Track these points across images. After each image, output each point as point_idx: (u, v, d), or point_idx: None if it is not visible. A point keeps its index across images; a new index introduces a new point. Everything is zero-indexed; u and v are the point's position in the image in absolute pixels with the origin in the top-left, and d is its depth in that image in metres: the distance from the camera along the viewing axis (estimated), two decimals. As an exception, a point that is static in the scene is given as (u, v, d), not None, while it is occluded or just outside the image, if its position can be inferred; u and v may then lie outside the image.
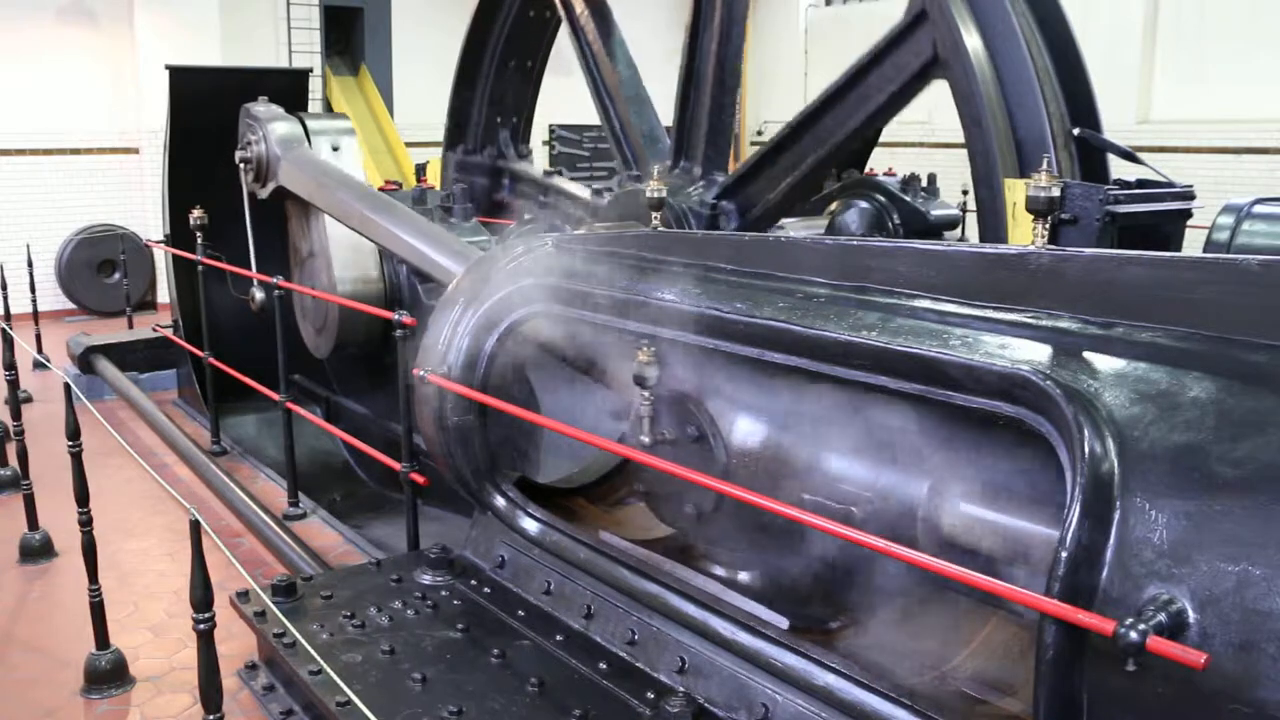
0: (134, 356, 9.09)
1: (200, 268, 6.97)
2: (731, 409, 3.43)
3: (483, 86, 8.03)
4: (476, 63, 8.04)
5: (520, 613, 3.73)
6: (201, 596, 2.86)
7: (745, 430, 3.39)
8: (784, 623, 3.08)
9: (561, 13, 7.21)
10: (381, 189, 7.69)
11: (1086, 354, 2.37)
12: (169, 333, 8.34)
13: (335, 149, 6.34)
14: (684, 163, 6.20)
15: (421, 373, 3.94)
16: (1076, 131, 4.70)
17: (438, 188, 7.82)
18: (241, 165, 6.51)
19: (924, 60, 4.79)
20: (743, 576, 3.59)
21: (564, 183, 7.63)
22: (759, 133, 17.50)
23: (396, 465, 4.54)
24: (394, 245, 5.34)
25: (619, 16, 7.06)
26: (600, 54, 6.86)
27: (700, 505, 3.48)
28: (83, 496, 4.20)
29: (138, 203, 12.95)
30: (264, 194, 6.44)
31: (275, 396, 5.90)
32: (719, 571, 3.61)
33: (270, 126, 6.31)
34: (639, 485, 3.77)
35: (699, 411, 3.47)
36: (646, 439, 3.36)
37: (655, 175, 4.47)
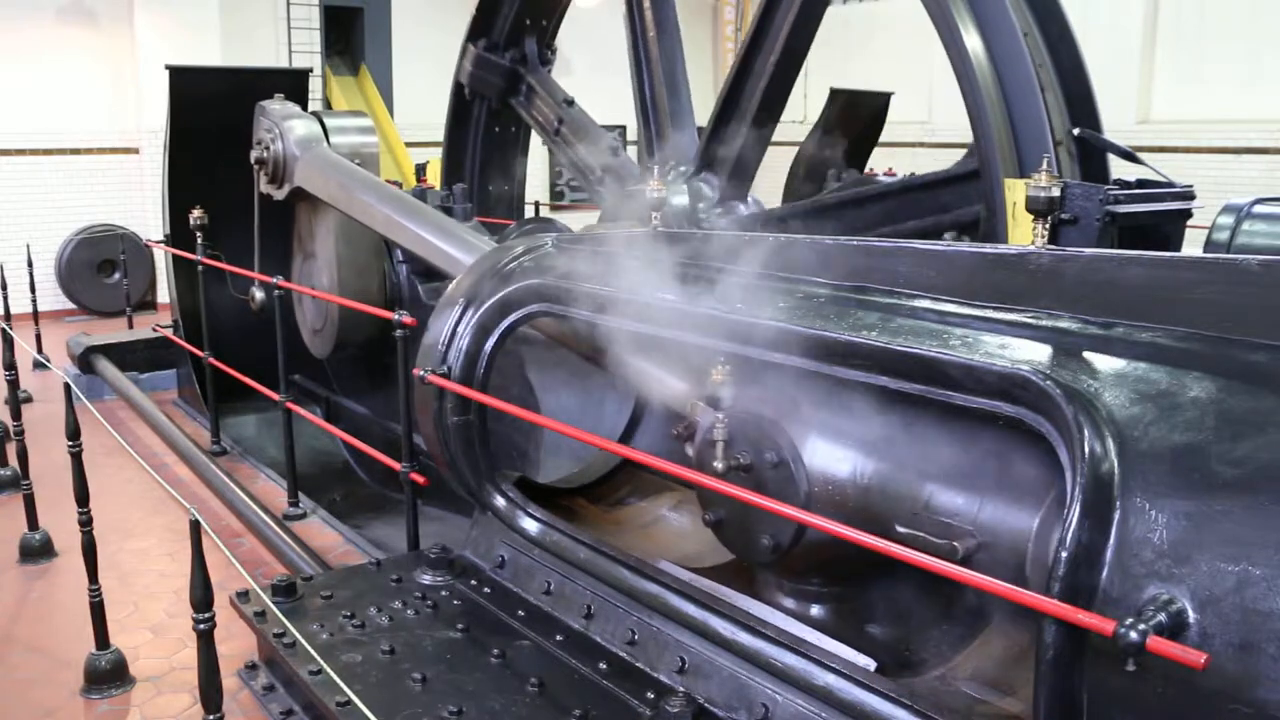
0: (134, 356, 9.09)
1: (200, 268, 6.96)
2: (813, 432, 3.12)
3: None
4: None
5: (520, 613, 3.72)
6: (201, 596, 2.86)
7: (832, 459, 3.07)
8: (871, 664, 2.86)
9: None
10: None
11: (1086, 354, 2.37)
12: (169, 333, 8.35)
13: (357, 163, 6.13)
14: (705, 174, 5.85)
15: (421, 373, 3.94)
16: (1076, 131, 4.70)
17: (438, 188, 7.80)
18: (256, 166, 6.34)
19: (970, 218, 4.72)
20: (815, 611, 3.41)
21: (580, 116, 6.95)
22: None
23: (396, 465, 4.54)
24: (422, 249, 5.19)
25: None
26: (648, 9, 6.33)
27: (778, 537, 3.18)
28: (83, 496, 4.20)
29: (138, 203, 12.95)
30: (280, 195, 6.29)
31: (275, 396, 5.90)
32: (789, 604, 3.43)
33: (287, 125, 6.15)
34: (708, 515, 3.45)
35: (777, 434, 3.16)
36: (720, 465, 3.08)
37: (670, 177, 4.39)
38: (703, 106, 6.41)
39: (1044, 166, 2.78)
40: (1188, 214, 4.62)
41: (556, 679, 3.27)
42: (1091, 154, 4.77)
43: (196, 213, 7.00)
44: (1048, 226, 2.71)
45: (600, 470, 4.81)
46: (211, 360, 6.97)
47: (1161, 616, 1.83)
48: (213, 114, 7.34)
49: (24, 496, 5.32)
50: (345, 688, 2.73)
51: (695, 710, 2.97)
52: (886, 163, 12.18)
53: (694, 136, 6.18)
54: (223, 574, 3.95)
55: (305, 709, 3.57)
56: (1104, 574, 1.98)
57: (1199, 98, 12.10)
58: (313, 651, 3.11)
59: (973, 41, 4.60)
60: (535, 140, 8.10)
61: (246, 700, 3.82)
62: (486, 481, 4.09)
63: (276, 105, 6.37)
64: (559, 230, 5.38)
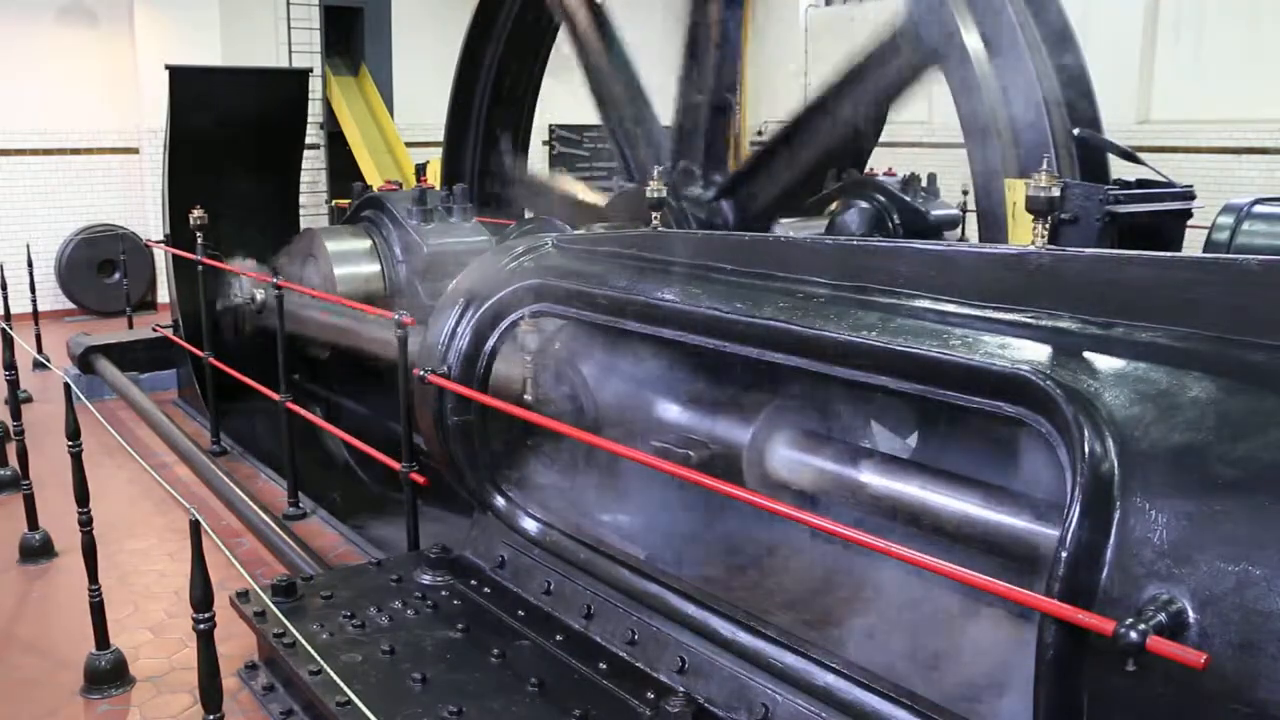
0: (134, 356, 9.08)
1: (200, 267, 6.96)
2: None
3: None
4: None
5: (520, 613, 3.72)
6: (201, 596, 2.86)
7: None
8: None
9: None
10: (382, 189, 7.68)
11: (1086, 354, 2.37)
12: (169, 333, 8.34)
13: None
14: (682, 162, 5.89)
15: (421, 373, 3.94)
16: (1076, 131, 4.69)
17: (437, 188, 7.79)
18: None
19: (919, 59, 4.75)
20: None
21: (610, 27, 6.48)
22: (759, 133, 17.48)
23: (396, 465, 4.54)
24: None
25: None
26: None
27: None
28: (83, 496, 4.20)
29: (138, 203, 12.95)
30: None
31: (275, 396, 5.90)
32: None
33: None
34: None
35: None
36: None
37: (655, 175, 4.42)
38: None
39: (1044, 166, 2.78)
40: (1188, 214, 4.62)
41: (556, 679, 3.27)
42: (1091, 154, 4.77)
43: (196, 213, 7.00)
44: (1048, 226, 2.71)
45: (600, 470, 4.80)
46: (212, 360, 6.97)
47: (1161, 616, 1.83)
48: (213, 114, 7.34)
49: (24, 496, 5.32)
50: (345, 688, 2.73)
51: (695, 710, 2.97)
52: (887, 163, 12.17)
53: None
54: (223, 574, 3.94)
55: (305, 709, 3.57)
56: (1104, 574, 1.98)
57: (1199, 98, 12.09)
58: (313, 651, 3.11)
59: (973, 41, 4.59)
60: (536, 139, 8.08)
61: (246, 700, 3.82)
62: (486, 481, 4.09)
63: None
64: (559, 230, 5.37)
